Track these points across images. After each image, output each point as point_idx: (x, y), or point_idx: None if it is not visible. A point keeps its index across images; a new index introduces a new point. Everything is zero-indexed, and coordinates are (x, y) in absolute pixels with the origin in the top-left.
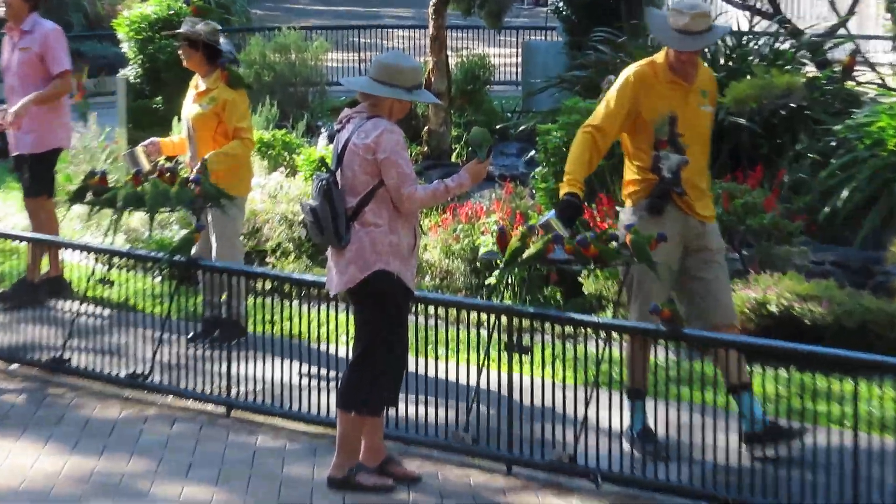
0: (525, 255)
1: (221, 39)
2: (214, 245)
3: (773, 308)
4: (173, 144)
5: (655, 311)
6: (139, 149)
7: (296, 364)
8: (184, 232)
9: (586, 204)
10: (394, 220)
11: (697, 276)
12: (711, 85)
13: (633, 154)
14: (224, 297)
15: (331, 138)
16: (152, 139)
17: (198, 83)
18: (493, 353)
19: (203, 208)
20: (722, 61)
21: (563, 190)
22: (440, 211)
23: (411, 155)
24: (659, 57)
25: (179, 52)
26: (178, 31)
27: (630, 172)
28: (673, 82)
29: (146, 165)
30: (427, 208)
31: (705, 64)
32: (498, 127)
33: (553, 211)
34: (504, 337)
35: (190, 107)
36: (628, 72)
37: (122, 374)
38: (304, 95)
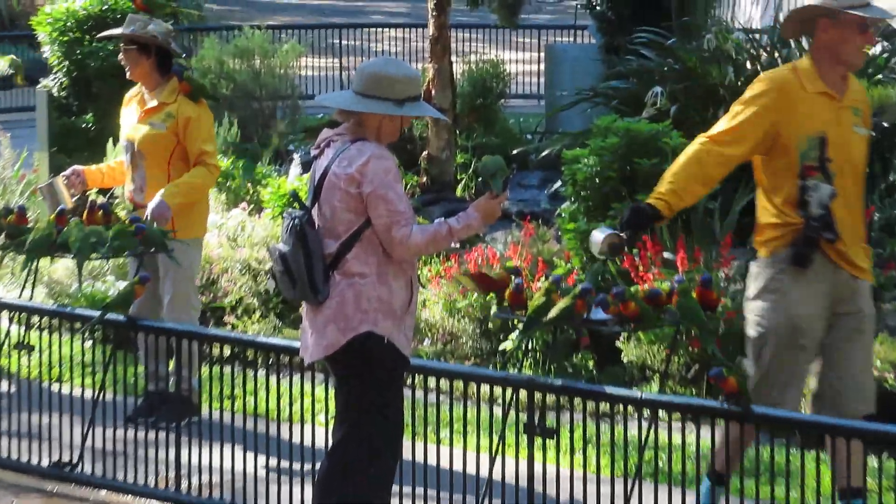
0: (550, 315)
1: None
2: (164, 300)
3: None
4: (103, 174)
5: (718, 378)
6: (59, 179)
7: (261, 451)
8: (122, 284)
9: (627, 250)
10: (384, 269)
11: (840, 347)
12: (864, 102)
13: (770, 186)
14: (172, 366)
15: (306, 166)
16: (74, 168)
17: (143, 96)
18: (510, 437)
19: (146, 254)
20: None
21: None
22: (443, 258)
23: (406, 187)
24: (803, 62)
25: (120, 58)
26: (119, 31)
27: (765, 212)
28: (824, 94)
29: (68, 201)
30: (426, 255)
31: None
32: (515, 152)
33: (605, 227)
34: (523, 416)
35: (135, 126)
36: (764, 79)
37: (45, 462)
38: (271, 112)
